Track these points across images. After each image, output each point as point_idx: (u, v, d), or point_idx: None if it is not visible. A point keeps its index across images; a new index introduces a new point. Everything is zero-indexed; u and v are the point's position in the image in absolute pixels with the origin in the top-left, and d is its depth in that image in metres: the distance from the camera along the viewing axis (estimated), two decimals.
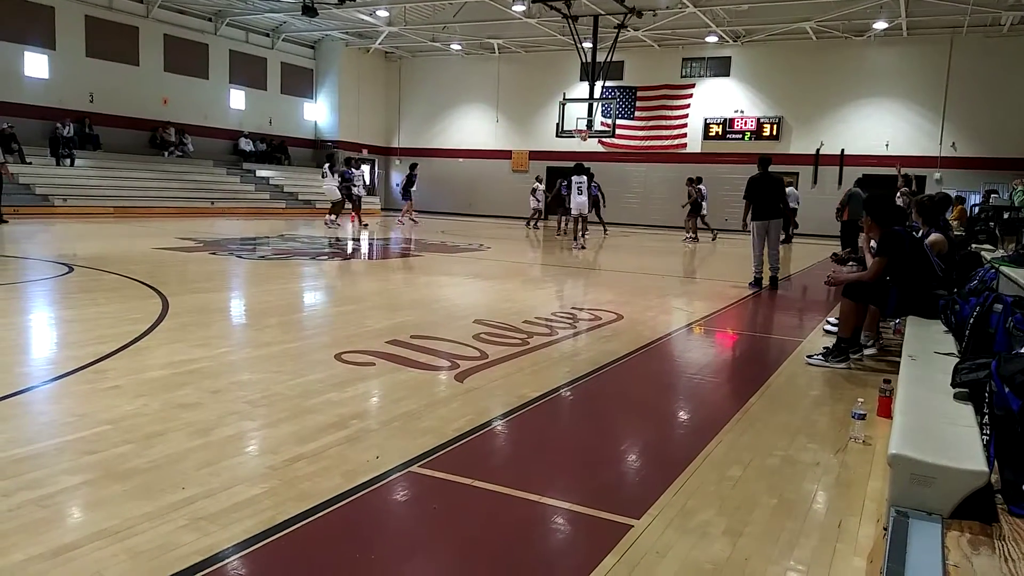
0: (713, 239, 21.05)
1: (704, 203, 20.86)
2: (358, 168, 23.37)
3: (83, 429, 3.47)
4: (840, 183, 23.74)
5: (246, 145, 27.28)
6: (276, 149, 28.59)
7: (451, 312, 7.71)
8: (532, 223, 23.79)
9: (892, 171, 23.32)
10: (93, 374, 4.42)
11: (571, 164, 28.74)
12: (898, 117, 24.48)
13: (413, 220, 23.32)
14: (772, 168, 10.49)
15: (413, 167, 24.07)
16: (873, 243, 5.71)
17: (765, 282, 10.22)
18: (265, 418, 3.79)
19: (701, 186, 20.73)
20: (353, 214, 21.22)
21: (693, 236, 20.34)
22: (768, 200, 10.09)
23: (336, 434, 3.55)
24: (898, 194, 15.87)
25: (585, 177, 16.49)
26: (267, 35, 28.33)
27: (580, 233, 16.66)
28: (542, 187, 24.15)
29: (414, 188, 23.51)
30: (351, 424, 3.72)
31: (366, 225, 20.38)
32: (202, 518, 2.63)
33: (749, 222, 10.22)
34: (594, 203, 18.88)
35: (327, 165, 20.54)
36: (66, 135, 21.38)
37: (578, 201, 16.39)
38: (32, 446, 3.25)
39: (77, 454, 3.17)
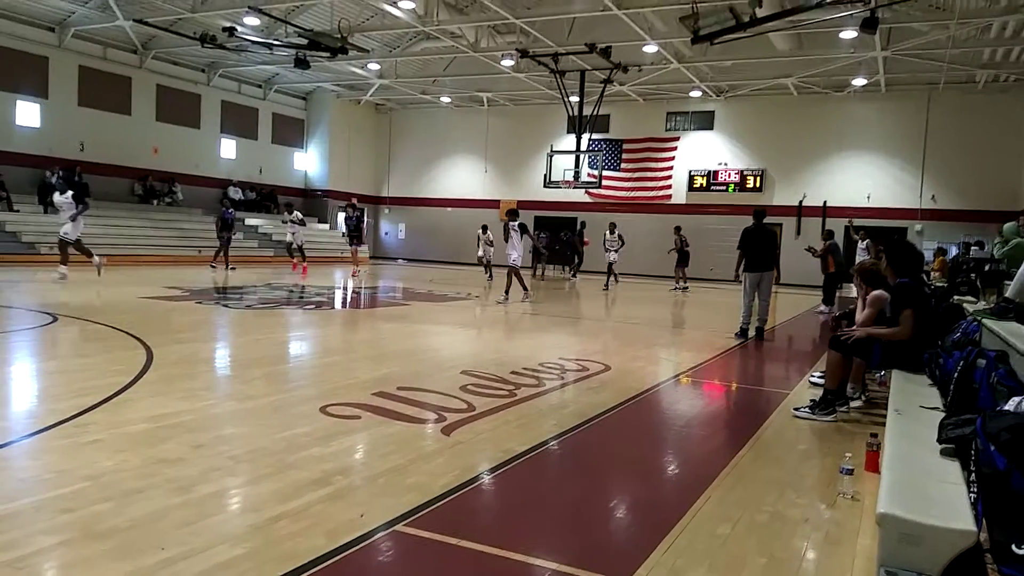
0: (611, 284, 20.59)
1: (613, 250, 20.91)
2: (291, 212, 21.56)
3: (62, 486, 3.40)
4: (822, 234, 24.05)
5: (235, 194, 27.37)
6: (265, 198, 28.73)
7: (438, 363, 7.68)
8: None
9: (877, 223, 23.80)
10: (74, 428, 4.35)
11: (562, 214, 29.05)
12: (879, 170, 24.97)
13: (355, 268, 21.07)
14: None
15: (351, 207, 22.48)
16: (875, 292, 5.75)
17: (751, 333, 10.25)
18: (248, 474, 3.73)
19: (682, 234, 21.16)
20: (300, 264, 20.42)
21: (683, 286, 20.52)
22: (761, 252, 10.17)
23: (320, 491, 3.50)
24: (863, 245, 16.09)
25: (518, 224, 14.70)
26: (259, 86, 28.72)
27: (521, 287, 14.71)
28: (485, 235, 21.58)
29: (361, 230, 21.35)
30: (335, 480, 3.66)
31: (233, 268, 19.25)
32: None
33: (741, 273, 10.26)
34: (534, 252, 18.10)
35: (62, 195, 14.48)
36: (55, 183, 21.38)
37: (513, 254, 14.61)
38: (8, 504, 3.18)
39: (54, 512, 3.10)
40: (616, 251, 21.10)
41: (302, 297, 13.68)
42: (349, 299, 14.99)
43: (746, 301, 10.26)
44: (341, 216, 32.12)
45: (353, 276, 19.87)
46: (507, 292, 14.42)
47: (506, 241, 14.82)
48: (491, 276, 20.78)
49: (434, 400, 5.49)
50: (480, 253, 21.54)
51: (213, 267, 19.23)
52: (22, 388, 5.67)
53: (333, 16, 20.62)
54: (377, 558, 2.90)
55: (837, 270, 15.43)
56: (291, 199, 27.29)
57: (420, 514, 3.28)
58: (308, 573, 2.68)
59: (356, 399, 5.38)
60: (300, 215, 22.09)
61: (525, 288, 14.89)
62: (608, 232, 21.32)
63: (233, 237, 19.97)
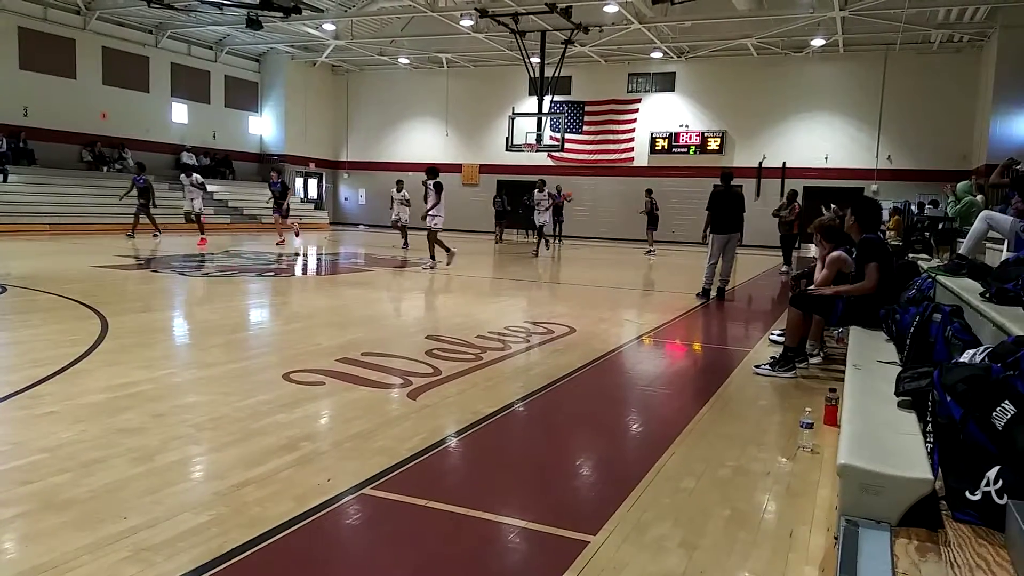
0: (542, 247, 18.81)
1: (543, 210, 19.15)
2: (189, 176, 18.64)
3: (18, 458, 3.32)
4: (782, 195, 24.38)
5: (189, 159, 26.67)
6: (220, 163, 28.05)
7: (403, 328, 7.65)
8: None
9: (834, 183, 24.17)
10: (28, 399, 4.24)
11: (524, 178, 28.96)
12: (836, 131, 25.27)
13: (280, 236, 18.60)
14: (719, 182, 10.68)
15: (276, 171, 19.59)
16: (833, 254, 5.87)
17: (712, 293, 10.37)
18: (211, 442, 3.68)
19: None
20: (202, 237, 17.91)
21: (650, 248, 20.62)
22: (730, 214, 10.23)
23: (286, 457, 3.47)
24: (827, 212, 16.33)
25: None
26: (210, 48, 27.84)
27: (439, 251, 13.65)
28: (400, 194, 18.41)
29: (287, 198, 18.63)
30: (301, 446, 3.63)
31: (130, 235, 17.77)
32: (146, 549, 2.54)
33: (709, 234, 10.30)
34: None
35: None
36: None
37: (437, 217, 13.51)
38: None
39: (11, 484, 3.03)
40: (547, 211, 19.34)
41: (260, 264, 13.46)
42: (307, 266, 14.79)
43: (711, 262, 10.33)
44: (298, 180, 31.71)
45: (278, 245, 17.73)
46: (432, 255, 13.48)
47: (425, 202, 13.62)
48: (406, 244, 18.27)
49: (399, 365, 5.47)
50: (395, 216, 18.42)
51: (156, 235, 18.24)
52: None
53: None
54: (346, 521, 2.89)
55: (799, 232, 15.83)
56: (193, 161, 23.16)
57: (388, 477, 3.28)
58: (276, 537, 2.66)
59: (320, 365, 5.33)
60: (200, 178, 19.05)
61: (440, 251, 13.56)
62: (536, 191, 19.49)
63: (144, 204, 18.19)
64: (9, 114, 21.31)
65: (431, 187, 13.46)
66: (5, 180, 20.39)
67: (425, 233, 13.63)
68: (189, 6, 21.32)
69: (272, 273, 12.18)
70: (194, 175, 18.65)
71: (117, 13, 23.52)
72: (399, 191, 18.37)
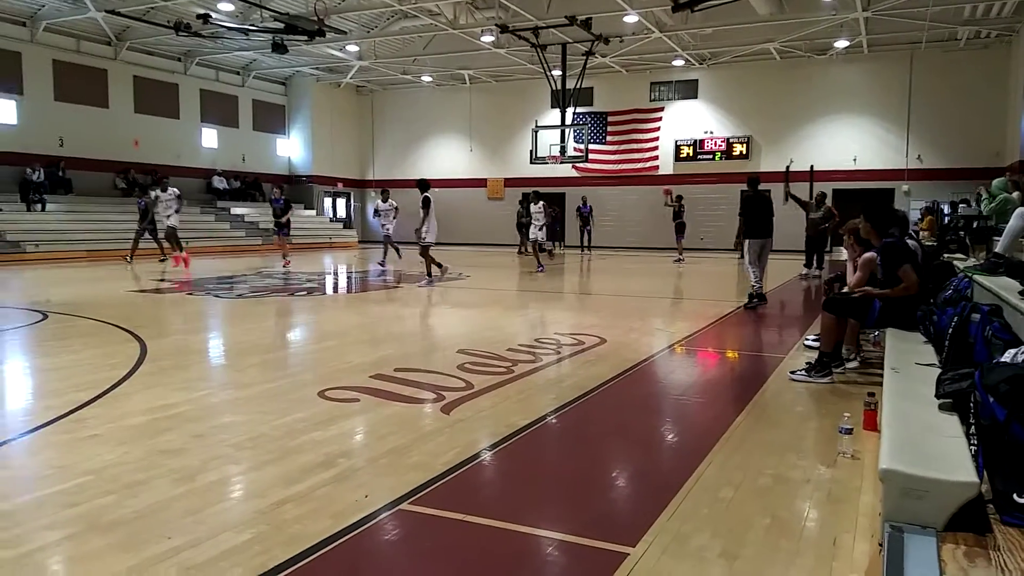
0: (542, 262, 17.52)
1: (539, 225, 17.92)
2: (166, 191, 17.12)
3: (63, 481, 3.39)
4: (811, 198, 24.09)
5: (219, 183, 27.17)
6: (250, 186, 28.51)
7: (434, 343, 7.68)
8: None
9: (864, 185, 23.86)
10: (72, 423, 4.33)
11: (549, 190, 29.09)
12: (864, 132, 24.97)
13: (285, 258, 17.39)
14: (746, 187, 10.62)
15: (278, 188, 18.22)
16: (866, 255, 5.80)
17: (744, 300, 10.26)
18: (250, 461, 3.72)
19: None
20: (174, 254, 16.83)
21: (679, 257, 20.47)
22: (763, 219, 10.20)
23: (323, 474, 3.50)
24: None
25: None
26: (237, 73, 28.38)
27: (434, 267, 13.52)
28: (387, 204, 17.83)
29: (286, 219, 17.52)
30: (338, 463, 3.66)
31: (129, 261, 17.31)
32: (190, 568, 2.57)
33: (743, 240, 10.23)
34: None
35: None
36: (36, 180, 21.15)
37: (424, 232, 13.26)
38: (9, 501, 3.16)
39: (57, 507, 3.09)
40: (541, 226, 18.11)
41: (287, 283, 13.62)
42: (337, 284, 14.93)
43: (753, 267, 10.22)
44: (326, 200, 32.09)
45: (285, 267, 16.69)
46: (429, 274, 13.42)
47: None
48: (385, 258, 17.66)
49: (432, 380, 5.50)
50: (387, 231, 17.72)
51: (163, 259, 17.72)
52: (16, 386, 5.62)
53: None
54: (384, 537, 2.90)
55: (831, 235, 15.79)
56: (169, 177, 19.76)
57: (424, 492, 3.29)
58: (316, 555, 2.69)
59: (353, 382, 5.37)
60: (177, 191, 17.39)
61: (439, 266, 13.53)
62: (532, 203, 18.28)
63: (147, 227, 17.76)
64: (46, 145, 21.88)
65: (421, 204, 13.13)
66: (43, 209, 20.93)
67: (418, 250, 13.55)
68: (216, 33, 21.75)
69: (303, 292, 12.32)
70: (170, 188, 17.23)
71: (147, 43, 24.06)
72: (384, 202, 17.70)
